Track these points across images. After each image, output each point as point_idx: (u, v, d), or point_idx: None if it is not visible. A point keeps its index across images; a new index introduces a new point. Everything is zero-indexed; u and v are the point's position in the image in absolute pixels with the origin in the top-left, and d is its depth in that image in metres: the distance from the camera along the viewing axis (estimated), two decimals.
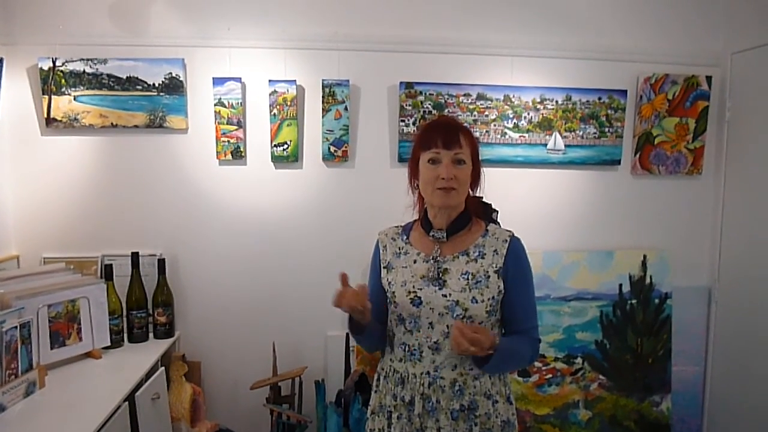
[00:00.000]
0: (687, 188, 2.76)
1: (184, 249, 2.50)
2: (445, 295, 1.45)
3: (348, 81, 2.43)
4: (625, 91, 2.62)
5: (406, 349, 1.52)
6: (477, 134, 2.53)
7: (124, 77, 2.35)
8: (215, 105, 2.40)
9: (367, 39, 2.47)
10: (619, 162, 2.67)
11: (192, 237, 2.49)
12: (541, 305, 2.61)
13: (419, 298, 1.47)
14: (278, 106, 2.42)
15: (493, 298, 1.45)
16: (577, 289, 2.65)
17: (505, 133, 2.56)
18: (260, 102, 2.45)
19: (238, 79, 2.40)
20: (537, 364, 2.62)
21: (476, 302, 1.43)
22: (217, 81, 2.39)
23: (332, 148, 2.47)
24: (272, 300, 2.56)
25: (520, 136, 2.57)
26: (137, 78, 2.36)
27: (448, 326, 1.44)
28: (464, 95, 2.51)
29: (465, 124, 1.60)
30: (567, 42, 2.57)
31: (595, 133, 2.62)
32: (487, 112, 2.54)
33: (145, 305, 2.36)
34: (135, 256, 2.36)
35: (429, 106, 2.50)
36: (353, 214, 2.54)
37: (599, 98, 2.60)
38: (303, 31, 2.44)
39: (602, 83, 2.61)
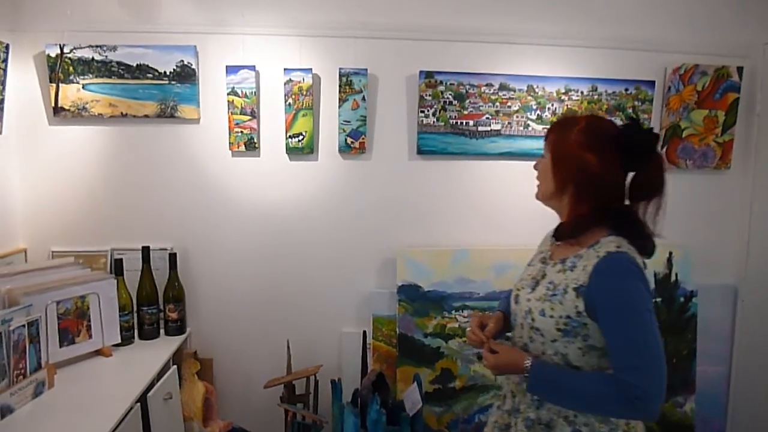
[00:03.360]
0: (715, 183, 2.67)
1: (196, 243, 2.42)
2: (528, 300, 1.38)
3: (366, 70, 2.34)
4: (653, 82, 2.52)
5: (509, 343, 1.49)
6: (498, 126, 2.45)
7: (134, 65, 2.26)
8: (228, 94, 2.32)
9: (386, 26, 2.37)
10: None
11: (204, 231, 2.42)
12: None
13: (517, 296, 1.45)
14: (293, 96, 2.34)
15: (568, 317, 1.27)
16: None
17: (528, 125, 2.47)
18: (275, 91, 2.36)
19: (252, 68, 2.31)
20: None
21: (544, 315, 1.31)
22: (231, 69, 2.31)
23: (349, 140, 2.39)
24: (285, 296, 2.48)
25: (543, 128, 2.48)
26: (148, 66, 2.27)
27: (528, 331, 1.38)
28: (486, 85, 2.42)
29: (584, 114, 1.56)
30: (593, 31, 2.47)
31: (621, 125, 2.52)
32: (509, 103, 2.44)
33: (156, 301, 2.29)
34: (146, 251, 2.29)
35: (450, 96, 2.41)
36: (370, 208, 2.46)
37: (626, 89, 2.50)
38: (319, 17, 2.35)
39: (629, 74, 2.51)
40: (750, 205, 2.64)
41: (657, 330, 1.21)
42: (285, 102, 2.34)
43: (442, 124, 2.42)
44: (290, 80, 2.33)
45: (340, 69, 2.33)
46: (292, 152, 2.38)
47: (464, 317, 2.46)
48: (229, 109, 2.33)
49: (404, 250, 2.45)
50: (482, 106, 2.43)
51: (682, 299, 2.63)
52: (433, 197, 2.49)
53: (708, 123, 2.59)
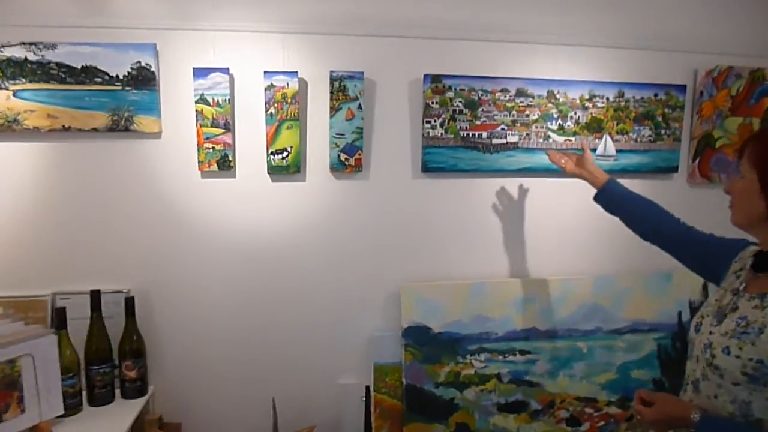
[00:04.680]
0: None
1: (159, 283, 1.99)
2: (711, 332, 1.25)
3: (362, 73, 1.98)
4: (684, 87, 2.23)
5: (685, 374, 1.38)
6: (515, 138, 2.11)
7: (79, 67, 1.84)
8: (197, 102, 1.91)
9: (386, 22, 2.01)
10: (676, 169, 2.28)
11: (168, 269, 1.99)
12: (591, 341, 2.20)
13: (699, 325, 1.33)
14: (276, 104, 1.95)
15: (759, 361, 1.11)
16: (631, 320, 2.24)
17: (549, 137, 2.14)
18: (253, 99, 1.97)
19: (226, 71, 1.92)
20: (588, 410, 2.21)
21: (728, 353, 1.16)
22: (199, 72, 1.91)
23: (343, 156, 2.01)
24: (270, 344, 2.07)
25: (566, 140, 2.16)
26: (96, 68, 1.85)
27: (703, 367, 1.25)
28: (501, 91, 2.09)
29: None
30: (619, 29, 2.17)
31: (650, 135, 2.22)
32: (527, 111, 2.11)
33: (109, 357, 1.85)
34: (95, 295, 1.85)
35: (460, 104, 2.06)
36: (369, 237, 2.09)
37: (655, 95, 2.21)
38: (306, 10, 1.97)
39: (658, 77, 2.22)
40: None
41: None
42: (266, 111, 1.95)
43: (452, 136, 2.07)
44: (272, 85, 1.94)
45: (331, 72, 1.96)
46: (275, 171, 1.99)
47: (481, 362, 2.10)
48: (197, 120, 1.93)
49: (410, 285, 2.08)
50: (497, 115, 2.09)
51: None
52: (442, 222, 2.14)
53: (743, 131, 2.32)
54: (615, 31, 2.16)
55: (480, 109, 2.08)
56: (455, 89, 2.05)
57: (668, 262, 2.36)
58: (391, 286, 2.11)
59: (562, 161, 1.95)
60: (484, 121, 2.09)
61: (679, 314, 2.29)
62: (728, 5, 2.26)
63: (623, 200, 1.74)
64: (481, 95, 2.07)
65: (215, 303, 2.03)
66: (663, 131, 2.23)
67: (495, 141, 2.10)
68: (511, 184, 2.17)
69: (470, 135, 2.08)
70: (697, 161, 2.30)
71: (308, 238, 2.06)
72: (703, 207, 2.33)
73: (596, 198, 1.81)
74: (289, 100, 1.96)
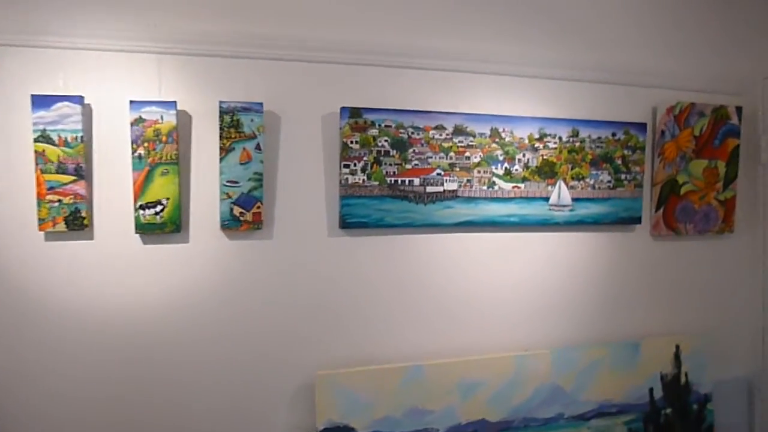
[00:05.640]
0: (718, 251, 2.12)
1: None
2: None
3: (261, 105, 1.56)
4: (644, 125, 1.94)
5: None
6: (454, 185, 1.73)
7: None
8: (36, 141, 1.44)
9: (292, 42, 1.62)
10: (639, 220, 1.96)
11: (2, 363, 1.47)
12: (553, 430, 1.80)
13: None
14: (147, 144, 1.50)
15: None
16: (598, 402, 1.87)
17: (494, 184, 1.78)
18: (116, 137, 1.51)
19: (78, 99, 1.46)
20: None
21: None
22: (40, 101, 1.43)
23: (237, 209, 1.56)
24: None
25: (514, 187, 1.80)
26: None
27: None
28: (436, 128, 1.71)
29: None
30: (573, 59, 1.87)
31: (609, 181, 1.90)
32: (468, 153, 1.75)
33: None
34: None
35: (386, 144, 1.67)
36: (273, 311, 1.65)
37: (613, 134, 1.90)
38: (191, 26, 1.56)
39: (616, 114, 1.93)
40: (762, 276, 2.10)
41: None
42: (133, 153, 1.49)
43: (376, 183, 1.67)
44: (141, 119, 1.49)
45: (221, 103, 1.54)
46: (147, 231, 1.52)
47: None
48: (37, 164, 1.44)
49: (327, 373, 1.62)
50: (431, 157, 1.71)
51: (695, 407, 2.00)
52: (366, 290, 1.71)
53: (708, 176, 2.04)
54: (567, 62, 1.86)
55: (410, 151, 1.69)
56: (380, 126, 1.66)
57: (635, 328, 2.06)
58: (303, 374, 1.64)
59: None
60: (415, 164, 1.70)
61: (651, 391, 1.94)
62: (688, 39, 2.03)
63: None
64: (412, 133, 1.69)
65: (70, 404, 1.50)
66: (623, 176, 1.92)
67: (429, 189, 1.72)
68: (451, 242, 1.78)
69: (399, 182, 1.69)
70: (661, 210, 2.00)
71: (193, 317, 1.58)
72: (669, 260, 2.04)
73: None
74: (164, 138, 1.51)
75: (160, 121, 1.50)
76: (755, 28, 2.10)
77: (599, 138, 1.89)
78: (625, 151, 1.92)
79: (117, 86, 1.51)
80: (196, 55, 1.56)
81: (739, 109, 2.04)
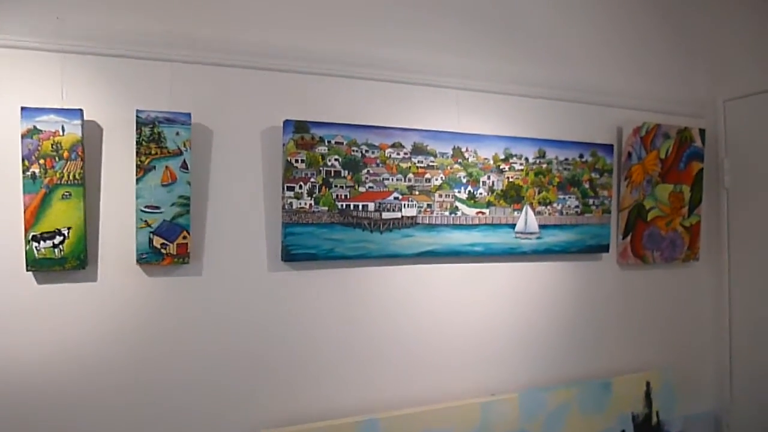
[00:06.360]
0: (684, 279, 2.02)
1: None
2: None
3: (189, 116, 1.32)
4: (611, 147, 1.82)
5: None
6: (413, 211, 1.54)
7: None
8: None
9: (227, 45, 1.39)
10: (606, 248, 1.83)
11: None
12: None
13: None
14: (44, 161, 1.22)
15: None
16: None
17: (457, 209, 1.60)
18: (2, 151, 1.22)
19: None
20: None
21: None
22: None
23: (158, 240, 1.30)
24: None
25: (478, 213, 1.62)
26: None
27: None
28: (393, 146, 1.52)
29: None
30: (538, 75, 1.74)
31: (577, 206, 1.76)
32: (428, 174, 1.56)
33: None
34: None
35: (336, 163, 1.45)
36: (204, 364, 1.37)
37: (580, 156, 1.77)
38: (102, 21, 1.30)
39: (582, 133, 1.80)
40: (728, 307, 2.01)
41: None
42: (25, 172, 1.21)
43: (326, 209, 1.44)
44: (36, 130, 1.21)
45: (139, 113, 1.28)
46: (43, 268, 1.23)
47: None
48: None
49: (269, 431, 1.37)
50: (388, 178, 1.51)
51: None
52: (313, 333, 1.48)
53: (674, 201, 1.95)
54: (533, 78, 1.73)
55: (364, 171, 1.49)
56: (329, 142, 1.44)
57: (603, 364, 1.90)
58: None
59: None
60: (370, 187, 1.50)
61: None
62: (652, 61, 1.98)
63: None
64: (366, 151, 1.49)
65: None
66: (591, 201, 1.79)
67: (386, 215, 1.51)
68: (410, 274, 1.58)
69: (351, 207, 1.47)
70: (628, 237, 1.88)
71: (101, 374, 1.29)
72: (637, 293, 1.92)
73: None
74: (65, 154, 1.23)
75: (60, 132, 1.23)
76: (716, 52, 2.04)
77: (566, 159, 1.75)
78: (593, 174, 1.79)
79: (5, 88, 1.23)
80: (109, 56, 1.31)
81: (702, 132, 1.97)
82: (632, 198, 1.87)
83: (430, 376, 1.59)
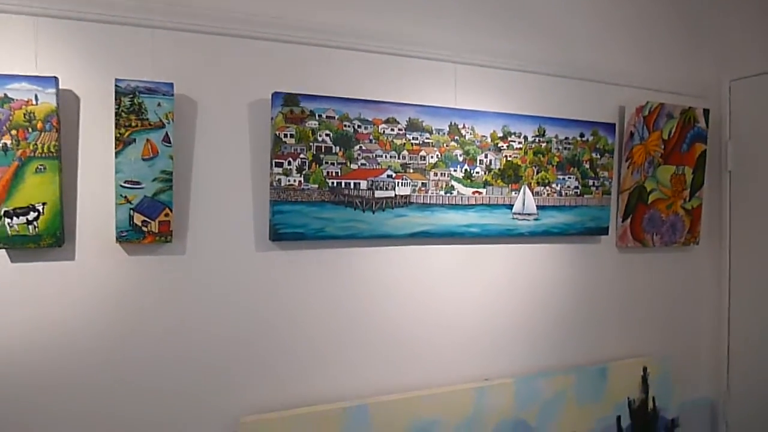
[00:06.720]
0: (683, 264, 1.98)
1: None
2: None
3: (172, 86, 1.24)
4: (613, 126, 1.76)
5: None
6: (407, 189, 1.48)
7: None
8: None
9: (213, 10, 1.32)
10: (606, 230, 1.78)
11: None
12: None
13: None
14: (16, 131, 1.15)
15: None
16: None
17: (453, 188, 1.54)
18: None
19: None
20: None
21: None
22: None
23: (139, 217, 1.24)
24: None
25: (474, 192, 1.56)
26: None
27: None
28: (387, 121, 1.45)
29: None
30: (538, 51, 1.67)
31: (576, 187, 1.71)
32: (424, 152, 1.50)
33: None
34: None
35: (327, 138, 1.39)
36: (188, 346, 1.32)
37: (581, 135, 1.71)
38: None
39: (584, 112, 1.74)
40: (727, 293, 1.98)
41: None
42: None
43: (316, 186, 1.38)
44: (7, 98, 1.14)
45: (118, 82, 1.20)
46: (16, 245, 1.16)
47: None
48: None
49: (254, 419, 1.32)
50: (381, 155, 1.45)
51: None
52: (301, 316, 1.42)
53: (675, 183, 1.89)
54: (534, 54, 1.67)
55: (357, 148, 1.42)
56: (320, 116, 1.38)
57: (600, 349, 1.86)
58: (224, 421, 1.33)
59: None
60: (362, 164, 1.43)
61: (618, 420, 1.76)
62: (656, 39, 1.94)
63: None
64: (359, 127, 1.42)
65: None
66: (591, 182, 1.73)
67: (378, 194, 1.45)
68: (402, 256, 1.52)
69: (342, 185, 1.41)
70: (628, 220, 1.82)
71: (80, 357, 1.23)
72: (635, 278, 1.87)
73: None
74: (39, 125, 1.16)
75: (33, 102, 1.16)
76: (722, 31, 1.98)
77: (566, 139, 1.69)
78: (594, 155, 1.73)
79: None
80: (86, 21, 1.23)
81: (706, 112, 1.91)
82: (633, 179, 1.82)
83: (422, 362, 1.54)
